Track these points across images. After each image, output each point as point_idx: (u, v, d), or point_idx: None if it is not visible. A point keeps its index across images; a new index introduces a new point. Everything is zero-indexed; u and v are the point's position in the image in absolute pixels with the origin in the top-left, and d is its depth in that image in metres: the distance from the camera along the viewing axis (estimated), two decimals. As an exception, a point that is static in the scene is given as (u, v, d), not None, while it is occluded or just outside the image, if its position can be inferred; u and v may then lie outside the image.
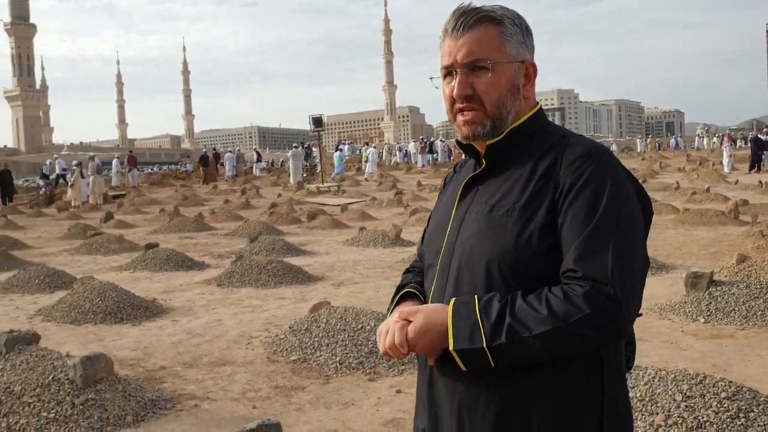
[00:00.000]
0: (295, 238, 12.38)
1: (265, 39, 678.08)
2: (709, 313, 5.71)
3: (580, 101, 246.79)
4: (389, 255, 10.05)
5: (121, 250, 11.39)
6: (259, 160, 41.25)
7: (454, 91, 1.36)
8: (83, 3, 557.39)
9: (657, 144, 55.43)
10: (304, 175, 30.15)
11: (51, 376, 3.96)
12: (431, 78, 1.46)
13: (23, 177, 48.73)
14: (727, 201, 14.47)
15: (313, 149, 32.83)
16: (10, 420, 3.76)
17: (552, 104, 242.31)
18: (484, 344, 1.20)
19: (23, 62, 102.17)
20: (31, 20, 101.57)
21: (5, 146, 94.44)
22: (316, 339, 5.13)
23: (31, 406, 3.82)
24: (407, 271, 1.63)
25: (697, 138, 55.18)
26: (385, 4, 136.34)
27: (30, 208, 22.75)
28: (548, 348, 1.20)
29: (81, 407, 3.79)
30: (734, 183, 20.86)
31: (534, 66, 1.40)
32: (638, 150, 51.73)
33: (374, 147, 38.48)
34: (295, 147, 31.11)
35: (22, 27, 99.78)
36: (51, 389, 3.89)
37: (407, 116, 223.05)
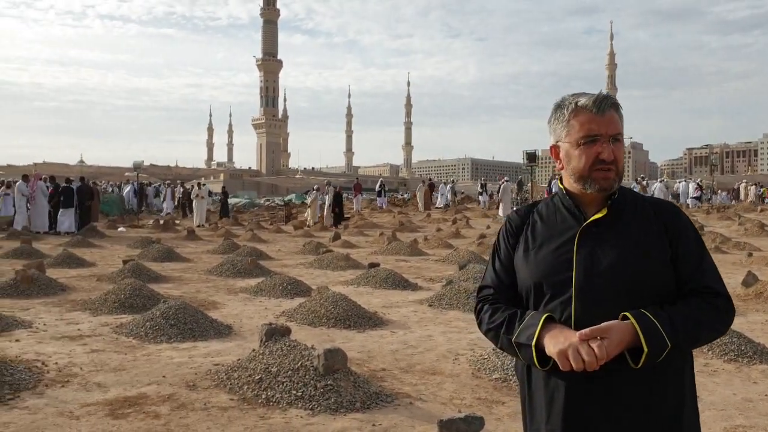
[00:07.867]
0: (503, 269, 12.81)
1: (494, 72, 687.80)
2: None
3: None
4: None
5: (346, 267, 12.77)
6: (482, 192, 38.89)
7: (603, 154, 1.77)
8: (332, 39, 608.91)
9: None
10: (513, 207, 30.47)
11: (300, 363, 4.92)
12: (555, 144, 1.87)
13: (264, 197, 55.05)
14: None
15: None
16: (269, 393, 4.76)
17: None
18: (668, 344, 1.63)
19: (269, 94, 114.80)
20: (279, 56, 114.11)
21: (250, 168, 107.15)
22: (517, 362, 5.58)
23: (284, 384, 4.79)
24: (494, 302, 1.89)
25: None
26: (611, 38, 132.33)
27: (270, 225, 25.87)
28: (704, 342, 1.76)
29: (322, 390, 4.68)
30: None
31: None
32: None
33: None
34: (506, 180, 31.61)
35: (270, 62, 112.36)
36: (299, 373, 4.84)
37: (629, 152, 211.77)
